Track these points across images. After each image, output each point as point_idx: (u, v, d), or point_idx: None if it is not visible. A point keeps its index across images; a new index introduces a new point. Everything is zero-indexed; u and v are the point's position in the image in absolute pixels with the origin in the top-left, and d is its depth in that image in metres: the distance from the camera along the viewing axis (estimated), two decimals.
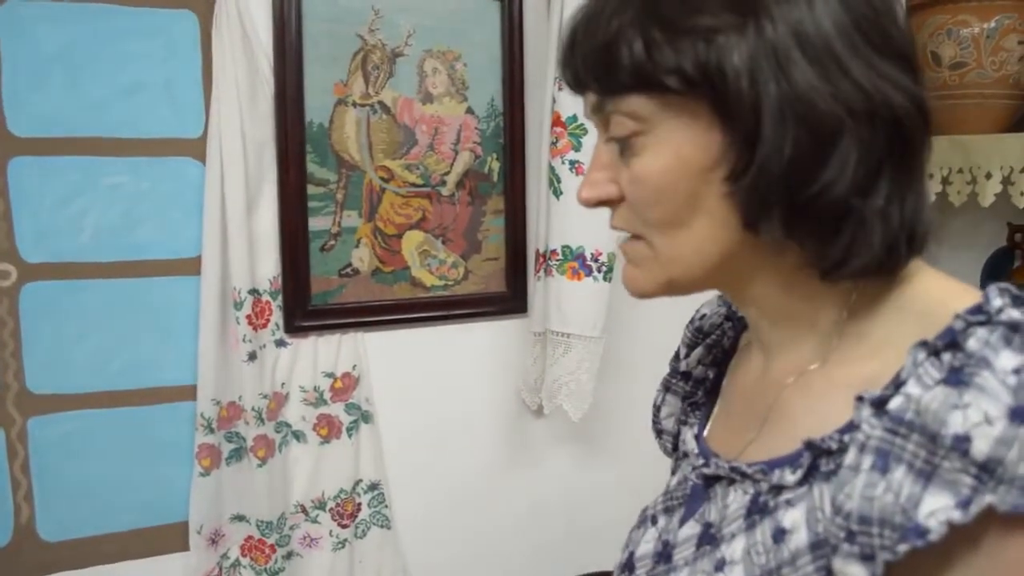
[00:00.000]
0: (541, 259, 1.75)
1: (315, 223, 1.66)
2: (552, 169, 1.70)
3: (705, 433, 0.82)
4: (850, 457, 0.55)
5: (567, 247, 1.71)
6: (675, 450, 0.93)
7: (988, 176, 1.64)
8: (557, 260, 1.71)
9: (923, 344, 0.55)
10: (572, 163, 1.67)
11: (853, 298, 0.66)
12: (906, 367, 0.55)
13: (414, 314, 1.78)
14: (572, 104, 1.66)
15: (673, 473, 0.87)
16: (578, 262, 1.71)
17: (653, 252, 0.67)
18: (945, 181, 1.71)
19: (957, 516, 0.49)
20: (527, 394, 1.88)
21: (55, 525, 1.53)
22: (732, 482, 0.69)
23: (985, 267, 2.00)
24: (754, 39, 0.58)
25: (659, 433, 0.96)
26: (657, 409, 0.95)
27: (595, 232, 1.69)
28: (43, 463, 1.51)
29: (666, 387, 0.93)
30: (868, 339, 0.64)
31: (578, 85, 0.68)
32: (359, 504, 1.75)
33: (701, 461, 0.75)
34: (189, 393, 1.59)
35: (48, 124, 1.47)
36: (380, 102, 1.69)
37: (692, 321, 0.92)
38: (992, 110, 1.72)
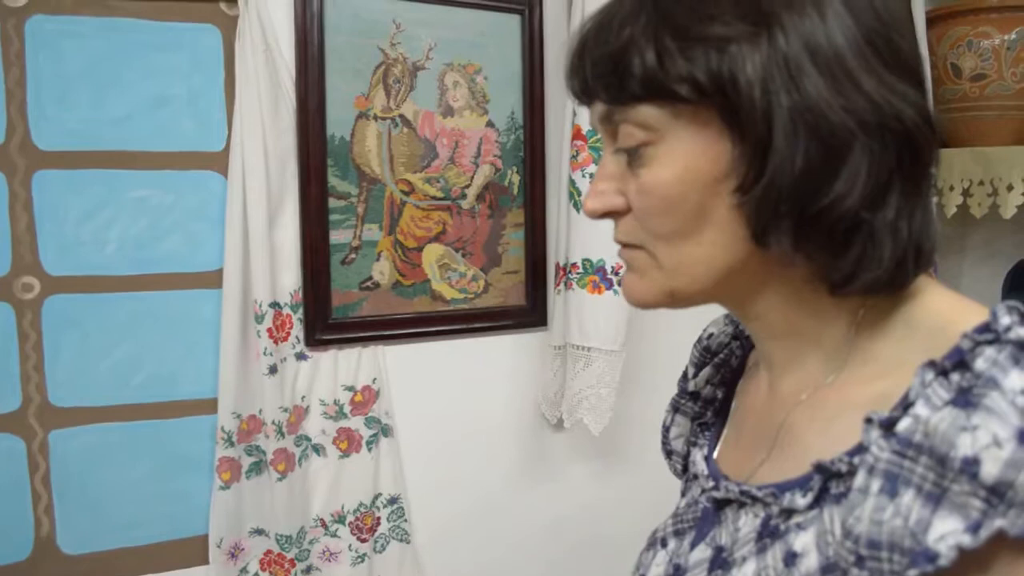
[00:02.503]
0: (561, 272, 1.75)
1: (336, 236, 1.66)
2: (572, 182, 1.70)
3: (715, 455, 0.81)
4: (859, 480, 0.54)
5: (587, 260, 1.70)
6: (685, 471, 0.92)
7: (1010, 188, 1.63)
8: (577, 273, 1.71)
9: (931, 364, 0.54)
10: (592, 176, 1.67)
11: (860, 314, 0.65)
12: (914, 387, 0.54)
13: (434, 327, 1.78)
14: None
15: (683, 495, 0.87)
16: (598, 275, 1.71)
17: (656, 262, 0.66)
18: (966, 193, 1.71)
19: (967, 540, 0.48)
20: (547, 408, 1.87)
21: (76, 538, 1.53)
22: (743, 505, 0.69)
23: (1007, 278, 2.00)
24: (767, 50, 0.58)
25: (668, 454, 0.95)
26: (666, 430, 0.94)
27: (615, 246, 1.68)
28: (64, 476, 1.51)
29: (675, 407, 0.92)
30: (877, 358, 0.64)
31: (586, 94, 0.68)
32: (378, 518, 1.74)
33: (711, 484, 0.75)
34: (210, 406, 1.59)
35: (72, 138, 1.48)
36: (401, 115, 1.70)
37: (700, 340, 0.91)
38: (1013, 121, 1.72)
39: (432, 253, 1.76)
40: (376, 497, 1.74)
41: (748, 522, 0.67)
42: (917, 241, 0.61)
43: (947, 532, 0.49)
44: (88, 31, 1.47)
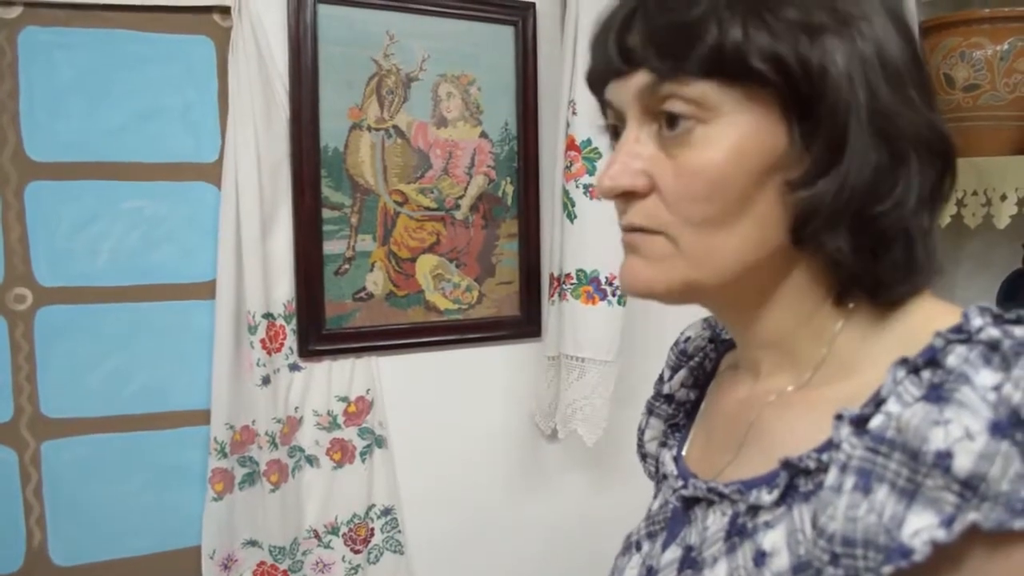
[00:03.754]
0: (555, 283, 1.75)
1: (329, 247, 1.66)
2: (566, 192, 1.70)
3: (683, 454, 0.81)
4: (831, 477, 0.54)
5: (581, 271, 1.70)
6: (657, 473, 0.91)
7: (1003, 198, 1.64)
8: (572, 284, 1.71)
9: (903, 362, 0.54)
10: (586, 187, 1.67)
11: (840, 324, 0.65)
12: (886, 385, 0.54)
13: (428, 338, 1.78)
14: (586, 128, 1.67)
15: (655, 497, 0.86)
16: (593, 286, 1.71)
17: (677, 249, 0.63)
18: (960, 203, 1.71)
19: (941, 535, 0.48)
20: (541, 418, 1.87)
21: (67, 549, 1.52)
22: (711, 504, 0.68)
23: (1001, 289, 1.99)
24: (851, 46, 0.58)
25: (643, 457, 0.96)
26: (641, 432, 0.94)
27: (610, 256, 1.69)
28: (56, 487, 1.51)
29: (649, 410, 0.92)
30: (848, 360, 0.64)
31: (629, 61, 0.63)
32: (372, 529, 1.74)
33: (680, 483, 0.74)
34: (203, 417, 1.58)
35: (65, 149, 1.48)
36: (395, 126, 1.70)
37: (676, 344, 0.90)
38: (1006, 132, 1.72)
39: (426, 264, 1.76)
40: (370, 508, 1.74)
41: (716, 520, 0.66)
42: (935, 252, 0.63)
43: (921, 527, 0.48)
44: (81, 42, 1.47)
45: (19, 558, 1.49)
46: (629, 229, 0.66)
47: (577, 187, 1.68)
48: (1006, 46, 1.65)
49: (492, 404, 1.88)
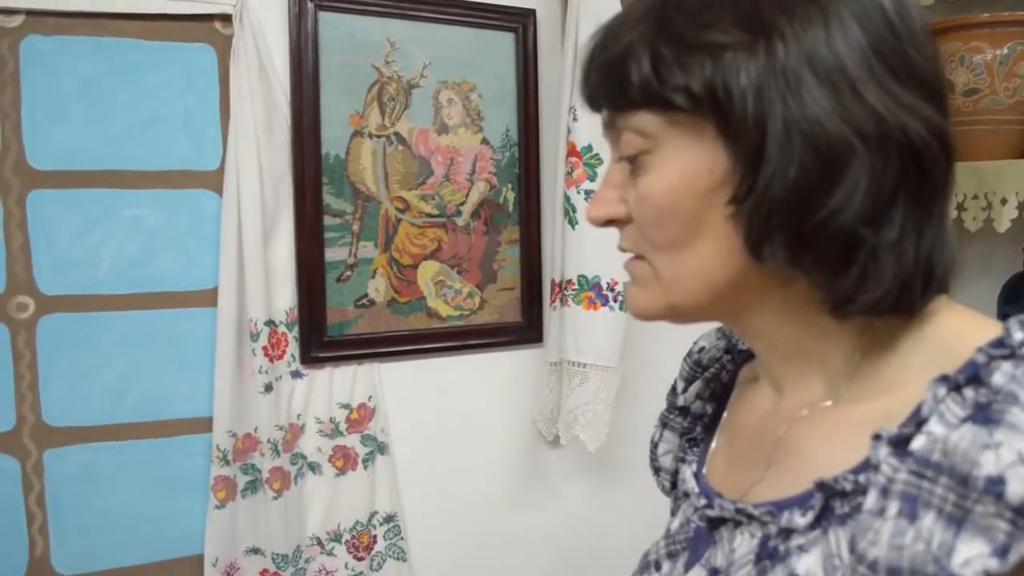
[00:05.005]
0: (557, 289, 1.75)
1: (331, 254, 1.66)
2: (567, 199, 1.70)
3: (704, 470, 0.78)
4: (871, 501, 0.52)
5: (583, 277, 1.71)
6: (674, 488, 0.90)
7: (1004, 202, 1.64)
8: (573, 290, 1.71)
9: (943, 379, 0.52)
10: (587, 192, 1.68)
11: (865, 335, 0.63)
12: (926, 403, 0.52)
13: (430, 344, 1.78)
14: (587, 134, 1.67)
15: (673, 514, 0.84)
16: (594, 292, 1.71)
17: (655, 274, 0.65)
18: (960, 207, 1.71)
19: (994, 565, 0.45)
20: (543, 424, 1.87)
21: (70, 558, 1.52)
22: (738, 524, 0.66)
23: (1002, 293, 2.00)
24: (764, 59, 0.56)
25: (657, 471, 0.93)
26: (655, 445, 0.91)
27: (611, 262, 1.69)
28: (59, 496, 1.51)
29: (663, 423, 0.90)
30: (881, 376, 0.62)
31: (593, 101, 0.67)
32: (375, 536, 1.74)
33: (703, 501, 0.72)
34: (205, 425, 1.58)
35: (67, 157, 1.48)
36: (396, 133, 1.70)
37: (690, 354, 0.88)
38: (1007, 135, 1.72)
39: (428, 270, 1.76)
40: (372, 515, 1.73)
41: (744, 542, 0.64)
42: (927, 263, 0.59)
43: (972, 556, 0.46)
44: (83, 51, 1.47)
45: (22, 567, 1.49)
46: (624, 254, 0.69)
47: (578, 193, 1.68)
48: (1006, 50, 1.65)
49: (494, 410, 1.87)
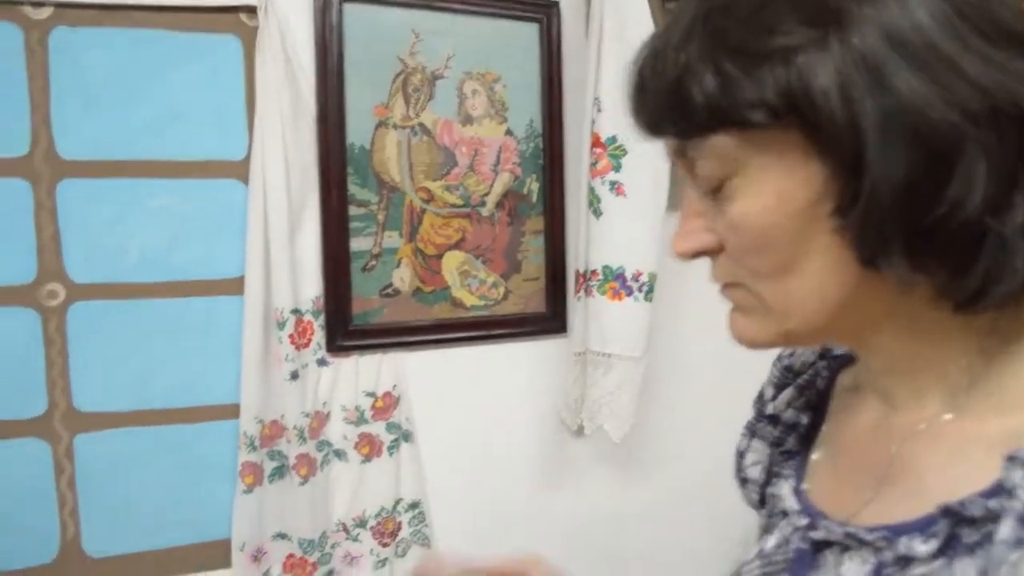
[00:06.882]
0: (581, 279, 1.75)
1: (356, 244, 1.68)
2: (592, 189, 1.70)
3: (804, 487, 0.71)
4: (1006, 531, 0.47)
5: (608, 267, 1.71)
6: (762, 503, 0.81)
7: None
8: (598, 280, 1.71)
9: None
10: (612, 183, 1.68)
11: (989, 340, 0.57)
12: None
13: (454, 334, 1.79)
14: (611, 125, 1.67)
15: (766, 531, 0.74)
16: (619, 282, 1.71)
17: (761, 302, 0.59)
18: None
19: None
20: (567, 414, 1.87)
21: (100, 541, 1.55)
22: (846, 548, 0.60)
23: None
24: (839, 51, 0.50)
25: (743, 482, 0.84)
26: (741, 455, 0.83)
27: (636, 252, 1.69)
28: (89, 480, 1.54)
29: (751, 431, 0.81)
30: (1007, 387, 0.56)
31: (655, 130, 0.60)
32: (400, 523, 1.75)
33: (805, 521, 0.65)
34: (232, 412, 1.61)
35: (96, 147, 1.50)
36: (420, 124, 1.71)
37: (780, 359, 0.81)
38: None
39: (452, 260, 1.77)
40: (397, 502, 1.75)
41: (854, 569, 0.58)
42: None
43: None
44: (110, 42, 1.50)
45: (54, 549, 1.52)
46: (719, 282, 0.64)
47: (603, 184, 1.68)
48: None
49: (518, 400, 1.88)
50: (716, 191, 0.58)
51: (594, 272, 1.72)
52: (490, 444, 1.86)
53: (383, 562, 1.73)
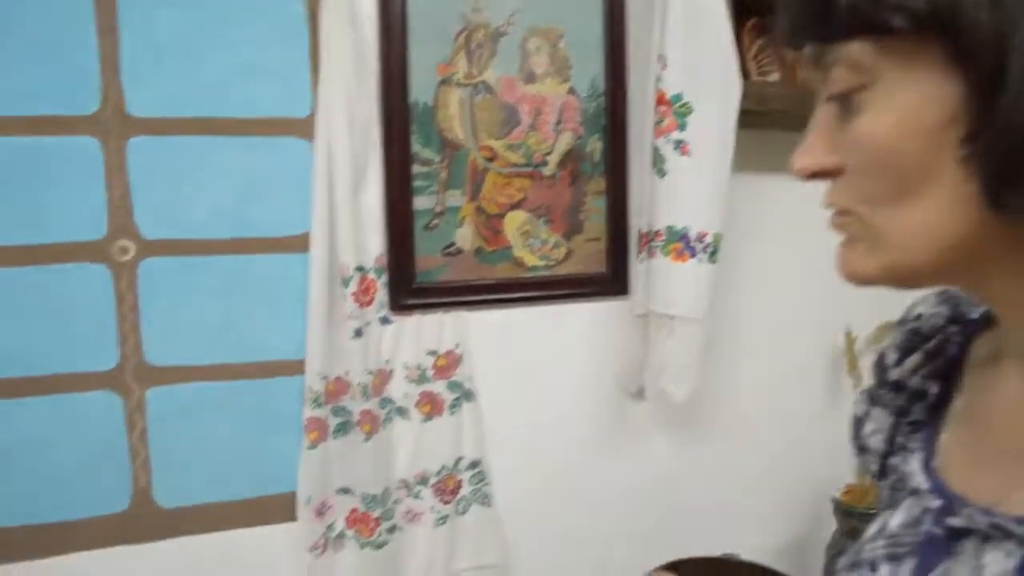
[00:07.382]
0: (644, 240, 1.74)
1: (419, 202, 1.68)
2: (656, 149, 1.68)
3: (935, 462, 0.67)
4: None
5: (671, 228, 1.69)
6: (882, 474, 0.76)
7: None
8: (661, 241, 1.70)
9: None
10: (677, 143, 1.65)
11: None
12: None
13: (516, 294, 1.79)
14: (677, 82, 1.65)
15: (890, 506, 0.70)
16: (683, 243, 1.69)
17: (871, 231, 0.57)
18: None
19: None
20: (628, 377, 1.86)
21: (170, 492, 1.58)
22: (987, 538, 0.55)
23: None
24: None
25: (861, 449, 0.79)
26: (859, 422, 0.78)
27: (701, 213, 1.67)
28: (160, 432, 1.57)
29: (872, 399, 0.77)
30: None
31: (795, 35, 0.59)
32: (460, 481, 1.77)
33: (938, 503, 0.61)
34: (298, 368, 1.62)
35: (165, 104, 1.52)
36: (483, 81, 1.70)
37: (904, 321, 0.76)
38: None
39: (514, 220, 1.77)
40: (458, 460, 1.76)
41: (998, 561, 0.54)
42: None
43: None
44: (179, 0, 1.51)
45: (126, 499, 1.56)
46: (831, 211, 0.61)
47: (667, 143, 1.66)
48: None
49: (579, 360, 1.88)
50: (844, 105, 0.56)
51: (657, 233, 1.70)
52: (550, 404, 1.86)
53: (444, 519, 1.75)
